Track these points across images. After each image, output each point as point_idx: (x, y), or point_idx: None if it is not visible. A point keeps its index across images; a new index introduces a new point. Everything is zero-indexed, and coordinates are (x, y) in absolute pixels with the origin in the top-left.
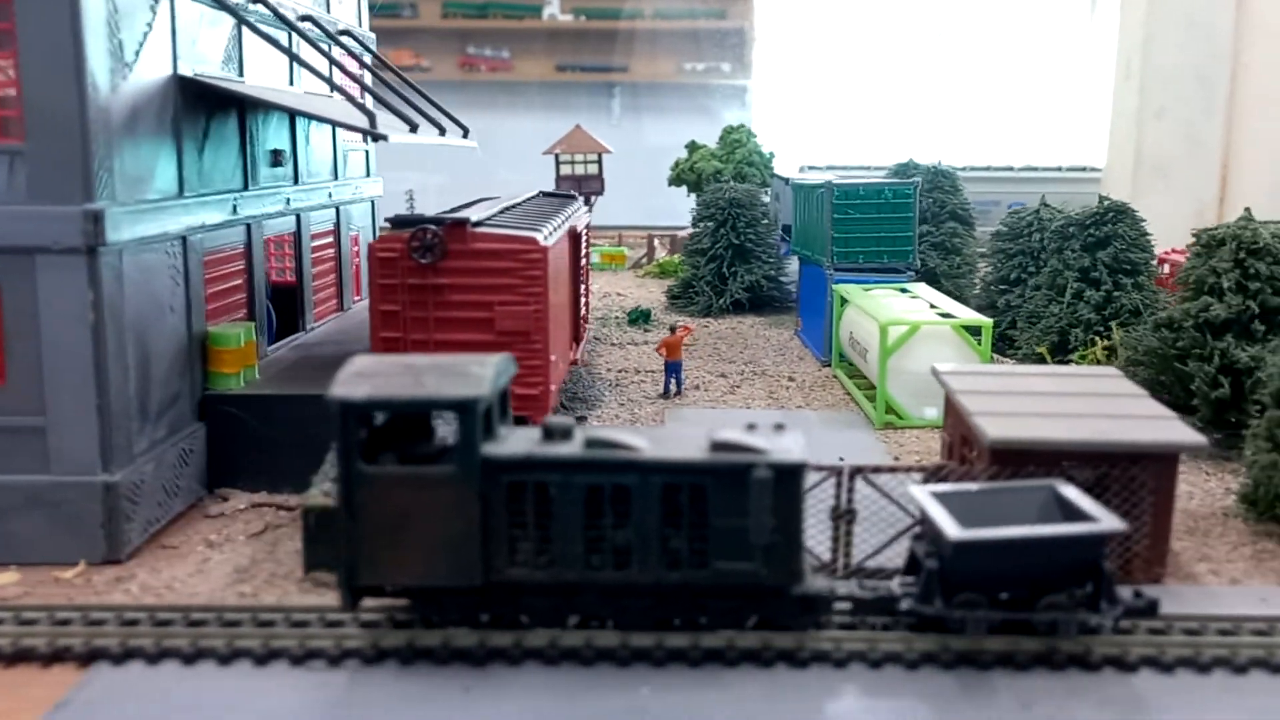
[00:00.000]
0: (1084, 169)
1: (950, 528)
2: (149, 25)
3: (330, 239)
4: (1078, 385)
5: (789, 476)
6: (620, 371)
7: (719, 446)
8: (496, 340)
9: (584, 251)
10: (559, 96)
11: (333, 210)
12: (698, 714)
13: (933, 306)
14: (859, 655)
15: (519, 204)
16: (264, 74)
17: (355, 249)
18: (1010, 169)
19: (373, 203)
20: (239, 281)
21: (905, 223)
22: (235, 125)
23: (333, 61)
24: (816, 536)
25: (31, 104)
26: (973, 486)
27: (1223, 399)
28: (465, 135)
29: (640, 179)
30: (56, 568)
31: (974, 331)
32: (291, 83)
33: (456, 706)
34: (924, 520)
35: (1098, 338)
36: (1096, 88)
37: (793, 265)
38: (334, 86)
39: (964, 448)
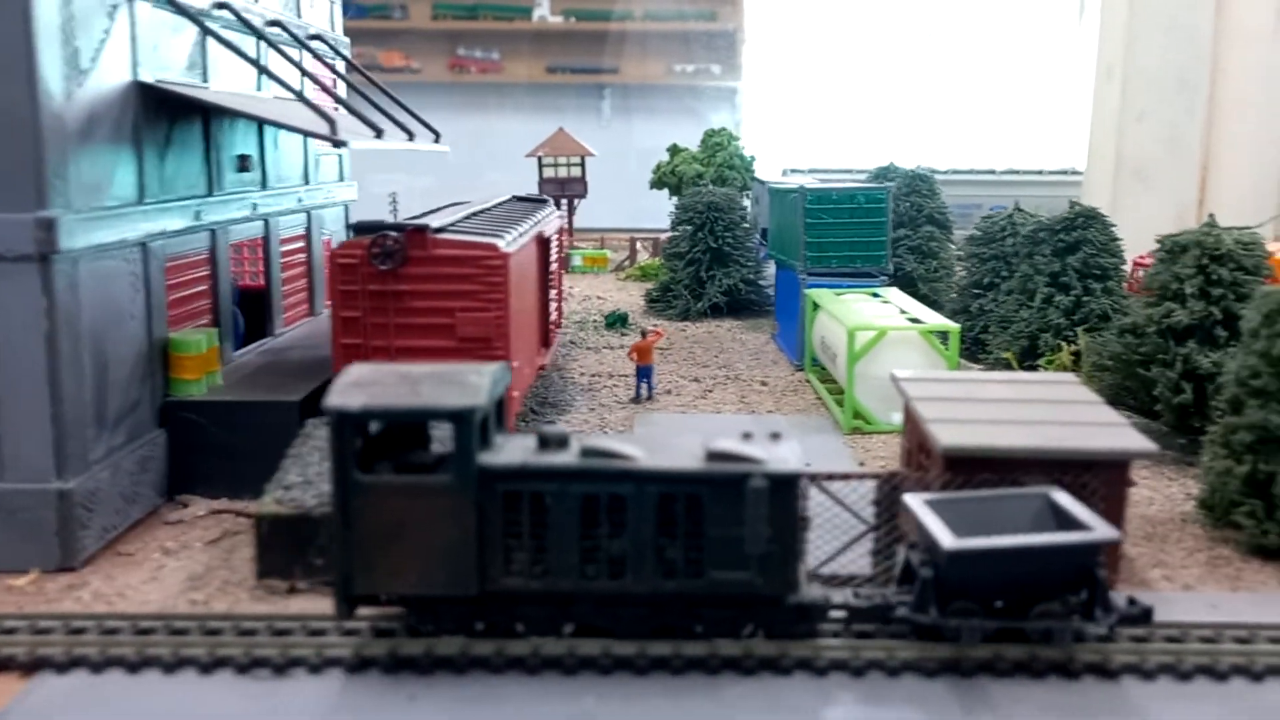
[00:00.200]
0: (1066, 172)
1: (945, 537)
2: (106, 32)
3: (301, 244)
4: (1035, 392)
5: (785, 486)
6: (594, 376)
7: (715, 456)
8: (458, 346)
9: (554, 256)
10: (549, 98)
11: (303, 215)
12: None
13: (903, 312)
14: (852, 664)
15: (487, 209)
16: (231, 80)
17: (327, 254)
18: (992, 172)
19: (346, 207)
20: (203, 287)
21: (878, 227)
22: (199, 131)
23: (300, 69)
24: None
25: None
26: (967, 495)
27: (1185, 404)
28: (436, 140)
29: (630, 181)
30: (9, 575)
31: (943, 337)
32: (260, 88)
33: (400, 713)
34: (918, 529)
35: (1064, 343)
36: (1084, 91)
37: (771, 269)
38: (299, 95)
39: (920, 454)
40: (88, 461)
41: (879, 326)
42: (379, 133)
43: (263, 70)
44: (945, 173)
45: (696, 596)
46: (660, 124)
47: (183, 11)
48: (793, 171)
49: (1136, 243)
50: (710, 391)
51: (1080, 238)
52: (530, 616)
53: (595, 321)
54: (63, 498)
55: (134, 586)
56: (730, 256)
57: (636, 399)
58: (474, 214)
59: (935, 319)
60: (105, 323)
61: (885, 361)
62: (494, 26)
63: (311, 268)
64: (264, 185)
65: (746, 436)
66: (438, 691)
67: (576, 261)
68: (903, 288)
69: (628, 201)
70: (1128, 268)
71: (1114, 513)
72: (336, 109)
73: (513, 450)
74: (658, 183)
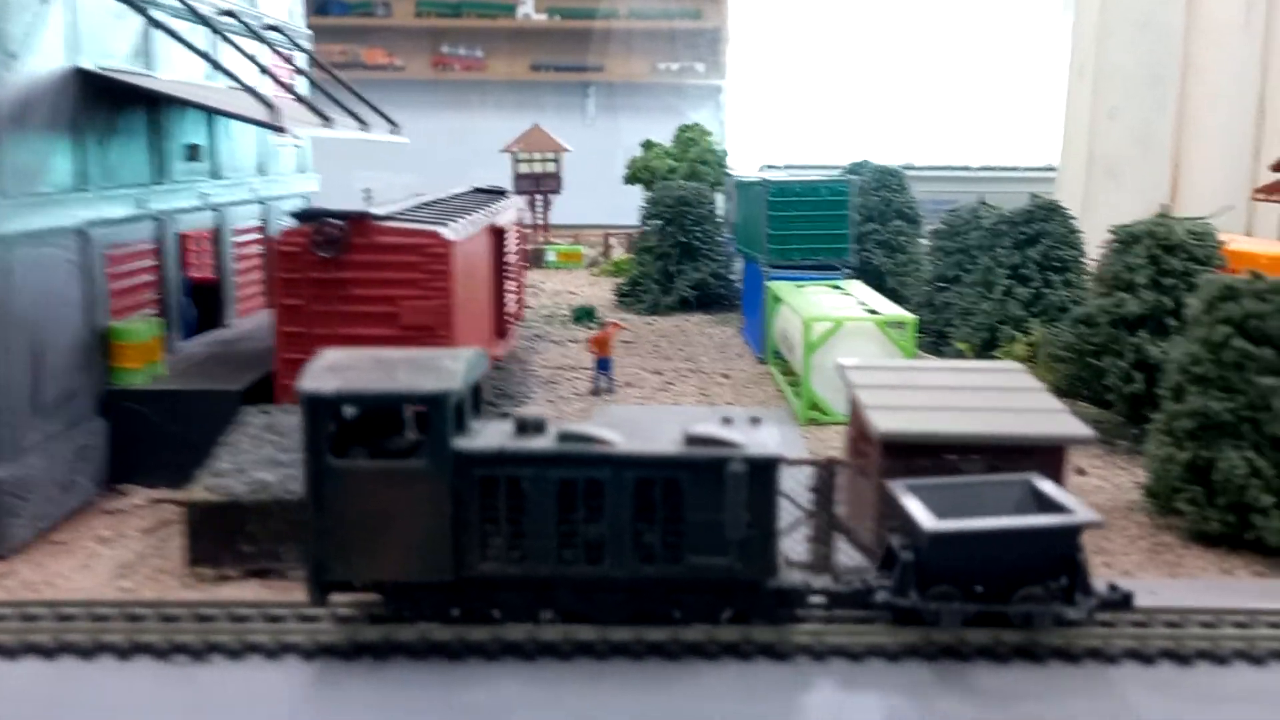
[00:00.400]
0: (1043, 169)
1: (925, 519)
2: (38, 17)
3: (256, 235)
4: (978, 380)
5: (764, 470)
6: (556, 368)
7: (693, 440)
8: (402, 335)
9: (513, 247)
10: (533, 96)
11: (258, 206)
12: (667, 710)
13: (862, 304)
14: (832, 649)
15: (440, 199)
16: (180, 69)
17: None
18: (967, 168)
19: (306, 199)
20: (149, 277)
21: (841, 220)
22: (144, 119)
23: (251, 58)
24: None
25: None
26: (949, 480)
27: (1137, 394)
28: (395, 131)
29: (615, 179)
30: None
31: (903, 327)
32: (212, 78)
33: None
34: (900, 513)
35: (1021, 334)
36: (1063, 88)
37: (742, 264)
38: (241, 82)
39: (862, 442)
40: (19, 449)
41: (835, 317)
42: (327, 121)
43: (203, 56)
44: (921, 169)
45: (675, 582)
46: (645, 122)
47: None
48: (769, 168)
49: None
50: (671, 384)
51: (1040, 230)
52: (507, 602)
53: (563, 316)
54: None
55: (64, 575)
56: (699, 251)
57: (595, 391)
58: (425, 203)
59: (893, 310)
60: (40, 309)
61: (842, 352)
62: (477, 24)
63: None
64: (215, 175)
65: (726, 421)
66: (398, 676)
67: (551, 257)
68: (871, 282)
69: (610, 199)
70: (1095, 262)
71: None
72: (277, 98)
73: (489, 435)
74: (631, 178)
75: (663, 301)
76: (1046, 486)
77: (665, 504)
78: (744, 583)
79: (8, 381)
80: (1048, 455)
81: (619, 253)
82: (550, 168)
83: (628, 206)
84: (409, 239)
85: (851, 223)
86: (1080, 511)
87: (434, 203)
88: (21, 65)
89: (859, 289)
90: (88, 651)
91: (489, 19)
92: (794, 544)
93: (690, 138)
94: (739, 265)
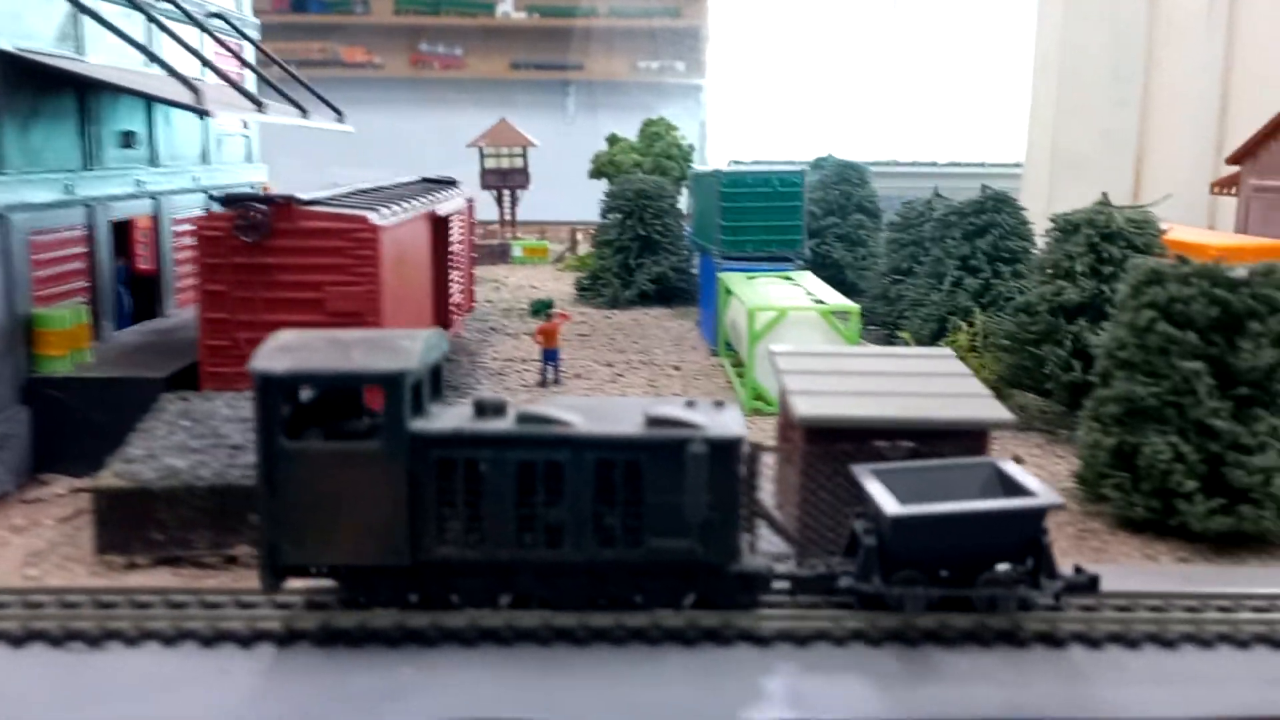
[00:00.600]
0: (1011, 165)
1: (889, 504)
2: None
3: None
4: (908, 366)
5: (725, 452)
6: (507, 361)
7: (654, 422)
8: (328, 321)
9: (457, 237)
10: (512, 94)
11: (201, 195)
12: (625, 698)
13: (810, 294)
14: (795, 634)
15: (380, 188)
16: (113, 53)
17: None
18: (934, 164)
19: (254, 189)
20: (80, 264)
21: (794, 211)
22: (73, 104)
23: (182, 42)
24: None
25: None
26: (915, 464)
27: (1076, 382)
28: (340, 120)
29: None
30: None
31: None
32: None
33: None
34: (864, 498)
35: (965, 324)
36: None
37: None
38: (165, 66)
39: (789, 428)
40: None
41: (779, 306)
42: (261, 107)
43: (121, 36)
44: (889, 165)
45: (636, 565)
46: (625, 121)
47: None
48: (736, 163)
49: None
50: (621, 376)
51: (990, 221)
52: (466, 588)
53: (522, 310)
54: None
55: None
56: (659, 245)
57: (543, 383)
58: (360, 190)
59: (839, 300)
60: None
61: (786, 341)
62: (457, 22)
63: None
64: (153, 163)
65: (690, 404)
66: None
67: (517, 253)
68: (831, 275)
69: (585, 195)
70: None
71: None
72: (210, 83)
73: (448, 417)
74: (596, 172)
75: (622, 295)
76: (1011, 469)
77: (626, 486)
78: (706, 566)
79: None
80: (971, 439)
81: (585, 248)
82: (518, 163)
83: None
84: (335, 224)
85: (805, 214)
86: (1044, 494)
87: (370, 190)
88: None
89: (810, 280)
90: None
91: (468, 17)
92: None
93: (655, 132)
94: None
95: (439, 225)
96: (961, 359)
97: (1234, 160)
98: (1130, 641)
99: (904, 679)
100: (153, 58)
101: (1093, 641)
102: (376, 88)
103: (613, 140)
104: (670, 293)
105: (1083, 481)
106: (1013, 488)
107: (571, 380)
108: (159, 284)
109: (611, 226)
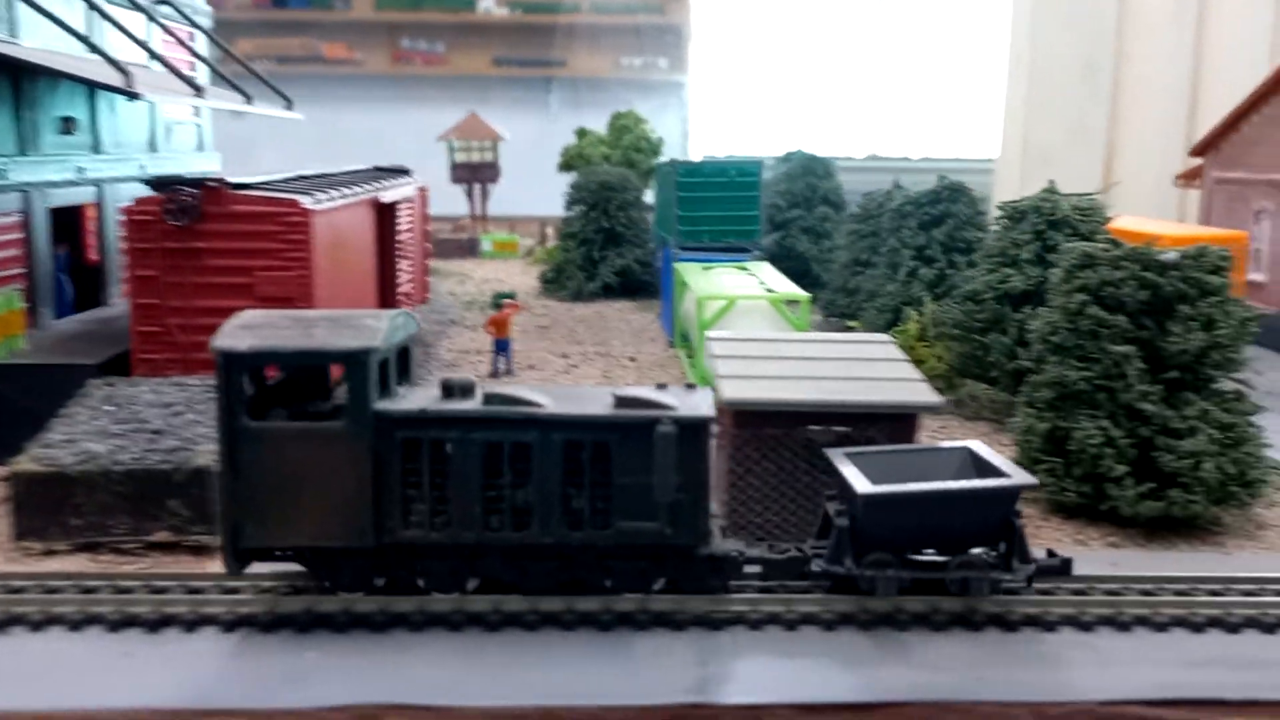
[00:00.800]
0: (985, 160)
1: (860, 483)
2: None
3: None
4: (843, 351)
5: (694, 432)
6: (461, 352)
7: (623, 402)
8: (258, 306)
9: (405, 226)
10: (495, 91)
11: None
12: (598, 679)
13: (762, 284)
14: (765, 617)
15: (321, 174)
16: (51, 37)
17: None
18: (907, 159)
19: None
20: (14, 251)
21: (751, 202)
22: (7, 88)
23: (121, 27)
24: None
25: None
26: (889, 448)
27: (1020, 369)
28: (289, 108)
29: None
30: None
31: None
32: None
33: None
34: (837, 480)
35: (915, 313)
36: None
37: None
38: (94, 47)
39: (721, 413)
40: None
41: (729, 295)
42: (199, 91)
43: (55, 21)
44: (868, 160)
45: (605, 548)
46: (608, 117)
47: None
48: (709, 159)
49: None
50: (576, 366)
51: (945, 211)
52: (432, 570)
53: (485, 302)
54: None
55: None
56: (624, 237)
57: (494, 373)
58: (298, 176)
59: (790, 289)
60: None
61: (736, 329)
62: (438, 18)
63: None
64: (96, 150)
65: (660, 386)
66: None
67: (487, 246)
68: (796, 267)
69: (561, 189)
70: None
71: None
72: (145, 67)
73: (415, 398)
74: (565, 165)
75: (586, 288)
76: (985, 453)
77: (594, 468)
78: (676, 549)
79: None
80: (899, 422)
81: (555, 241)
82: (488, 156)
83: None
84: (265, 207)
85: (762, 205)
86: (1016, 475)
87: (312, 176)
88: None
89: (765, 271)
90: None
91: (449, 13)
92: None
93: (624, 125)
94: None
95: (383, 213)
96: (913, 349)
97: (1197, 153)
98: (1085, 625)
99: (874, 660)
100: (82, 39)
101: (1048, 624)
102: (357, 84)
103: (581, 134)
104: (635, 286)
105: (1018, 467)
106: (988, 472)
107: (525, 371)
108: (103, 272)
109: (576, 219)
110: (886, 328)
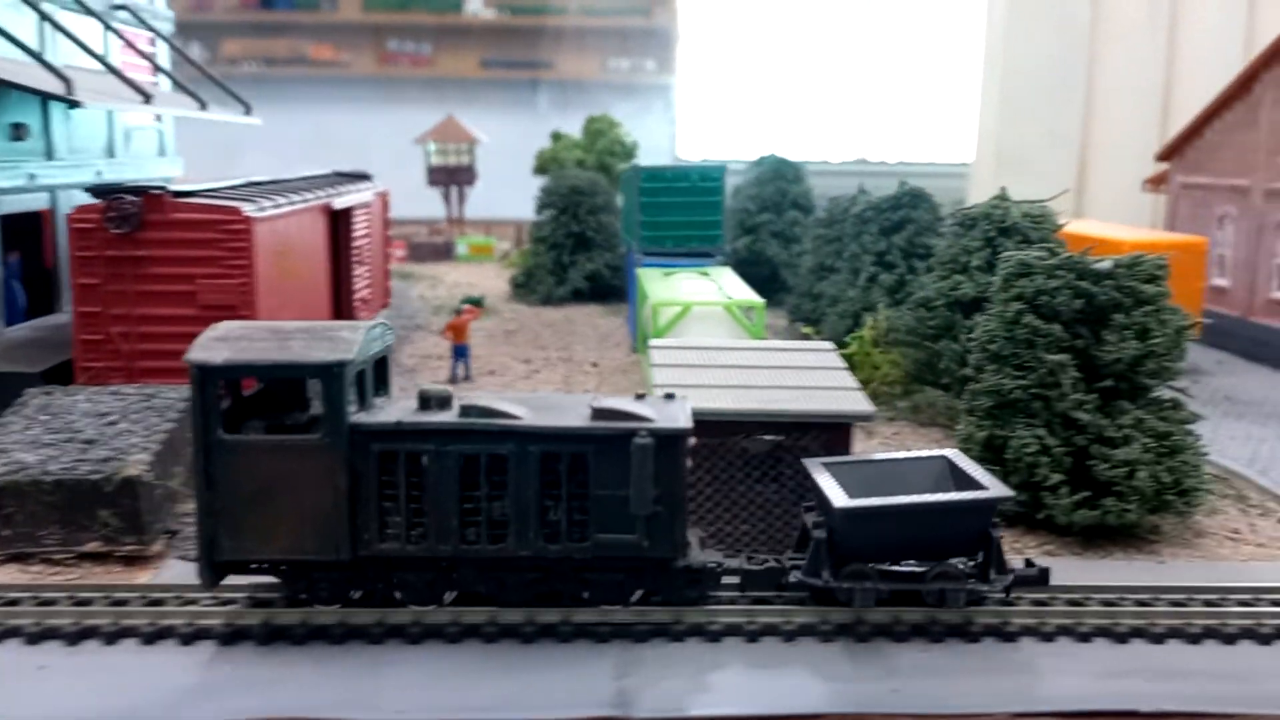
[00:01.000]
0: (961, 164)
1: (838, 496)
2: None
3: None
4: (783, 359)
5: (671, 444)
6: (423, 357)
7: (600, 414)
8: (200, 314)
9: (361, 231)
10: (483, 93)
11: None
12: (576, 690)
13: (721, 290)
14: (744, 629)
15: (273, 180)
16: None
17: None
18: (883, 164)
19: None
20: None
21: (714, 207)
22: None
23: (70, 35)
24: None
25: None
26: (867, 458)
27: (969, 377)
28: (247, 113)
29: None
30: None
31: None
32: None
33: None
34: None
35: (870, 319)
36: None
37: None
38: (35, 56)
39: None
40: None
41: (683, 301)
42: (148, 98)
43: None
44: (844, 165)
45: (582, 561)
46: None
47: None
48: (683, 163)
49: None
50: (537, 372)
51: (906, 217)
52: (409, 583)
53: (454, 307)
54: None
55: None
56: (594, 241)
57: (453, 379)
58: (251, 183)
59: (747, 295)
60: None
61: (691, 336)
62: (425, 20)
63: None
64: (49, 156)
65: (639, 396)
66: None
67: (462, 250)
68: (765, 272)
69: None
70: None
71: None
72: (77, 71)
73: (391, 410)
74: (539, 169)
75: (555, 292)
76: (963, 463)
77: (571, 480)
78: (653, 561)
79: None
80: (830, 431)
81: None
82: (465, 159)
83: None
84: (206, 215)
85: (725, 210)
86: (994, 486)
87: (262, 183)
88: None
89: (726, 277)
90: None
91: (436, 14)
92: None
93: (599, 129)
94: None
95: (337, 219)
96: (868, 355)
97: (1163, 157)
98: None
99: (850, 673)
100: (22, 46)
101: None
102: (344, 86)
103: (556, 137)
104: (605, 290)
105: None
106: (965, 482)
107: (485, 376)
108: (56, 279)
109: (546, 223)
110: (847, 333)
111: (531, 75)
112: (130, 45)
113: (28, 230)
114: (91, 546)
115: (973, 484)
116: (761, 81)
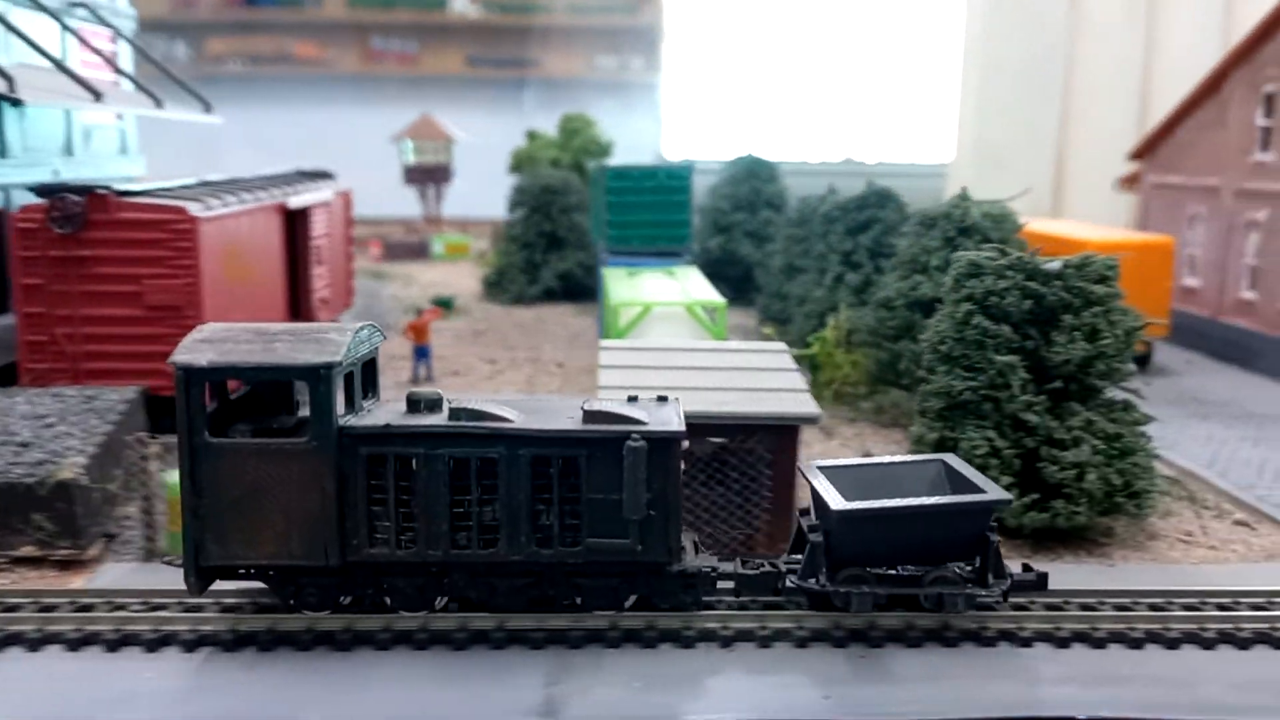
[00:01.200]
0: (941, 165)
1: (834, 500)
2: None
3: None
4: (735, 361)
5: (664, 447)
6: (389, 358)
7: (592, 416)
8: (147, 315)
9: (319, 231)
10: (468, 91)
11: None
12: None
13: (684, 290)
14: (739, 634)
15: (228, 180)
16: None
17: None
18: (863, 164)
19: (129, 182)
20: None
21: (681, 206)
22: None
23: (18, 32)
24: None
25: None
26: (864, 462)
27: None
28: (207, 111)
29: None
30: None
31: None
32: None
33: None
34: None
35: (833, 319)
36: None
37: None
38: None
39: None
40: None
41: (644, 302)
42: (98, 96)
43: None
44: (819, 165)
45: (575, 566)
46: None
47: None
48: (663, 161)
49: None
50: (501, 372)
51: (872, 217)
52: (399, 589)
53: (424, 307)
54: None
55: None
56: (566, 241)
57: (415, 379)
58: (203, 182)
59: (710, 296)
60: None
61: (653, 336)
62: (410, 17)
63: None
64: (3, 155)
65: (632, 399)
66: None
67: (438, 249)
68: (738, 271)
69: None
70: None
71: (783, 478)
72: (41, 71)
73: (380, 413)
74: (515, 168)
75: (527, 292)
76: (960, 466)
77: (563, 483)
78: (646, 565)
79: None
80: (777, 433)
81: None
82: (441, 158)
83: None
84: (151, 215)
85: (692, 210)
86: (992, 491)
87: (215, 182)
88: None
89: (692, 277)
90: None
91: (421, 12)
92: None
93: (574, 128)
94: None
95: (293, 218)
96: (831, 355)
97: (1136, 156)
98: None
99: (847, 677)
100: None
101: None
102: (329, 84)
103: (532, 136)
104: (578, 290)
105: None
106: (962, 486)
107: (449, 377)
108: (7, 279)
109: (518, 222)
110: (813, 332)
111: (517, 74)
112: (86, 43)
113: None
114: (25, 550)
115: (970, 487)
116: (746, 80)
